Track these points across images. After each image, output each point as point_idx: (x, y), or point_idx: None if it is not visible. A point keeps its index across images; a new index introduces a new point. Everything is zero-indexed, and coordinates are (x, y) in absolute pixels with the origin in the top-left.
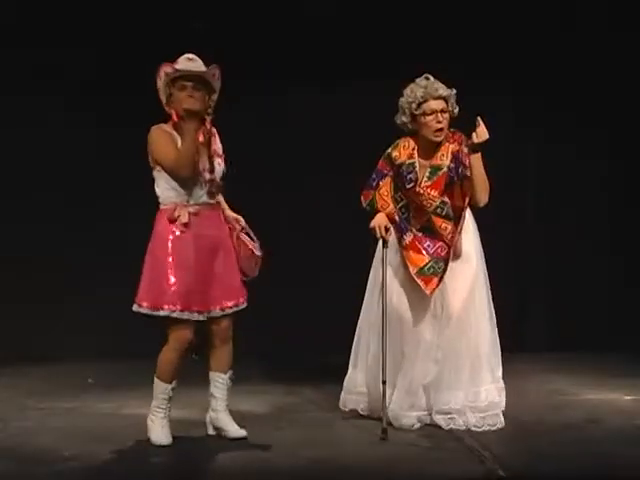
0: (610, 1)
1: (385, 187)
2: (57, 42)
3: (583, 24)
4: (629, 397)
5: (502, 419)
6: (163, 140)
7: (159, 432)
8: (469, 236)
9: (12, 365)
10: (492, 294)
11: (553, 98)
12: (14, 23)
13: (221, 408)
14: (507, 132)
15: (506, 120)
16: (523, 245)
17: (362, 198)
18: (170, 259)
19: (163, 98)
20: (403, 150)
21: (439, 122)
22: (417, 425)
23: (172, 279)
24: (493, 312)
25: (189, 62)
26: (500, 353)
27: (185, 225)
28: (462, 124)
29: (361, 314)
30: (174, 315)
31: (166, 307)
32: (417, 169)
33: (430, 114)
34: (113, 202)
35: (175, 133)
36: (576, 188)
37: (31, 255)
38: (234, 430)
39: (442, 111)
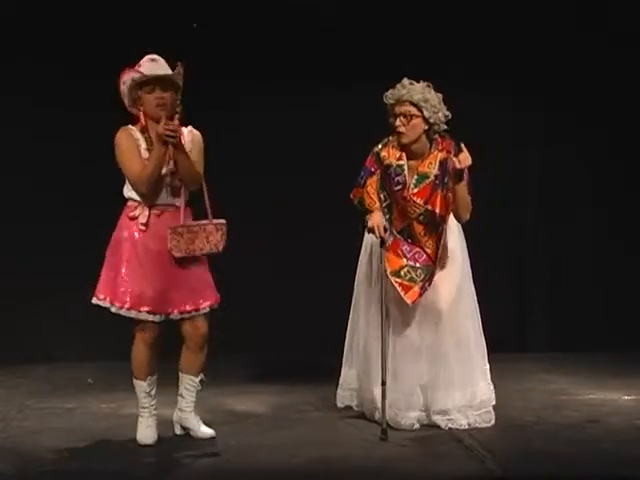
0: (610, 2)
1: (372, 185)
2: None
3: (583, 24)
4: (629, 397)
5: (493, 414)
6: (127, 149)
7: (144, 432)
8: (453, 235)
9: (12, 365)
10: (493, 294)
11: (553, 98)
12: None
13: (188, 409)
14: (507, 132)
15: (506, 120)
16: (523, 245)
17: (352, 196)
18: (125, 257)
19: (127, 101)
20: (392, 150)
21: (400, 125)
22: (416, 426)
23: (124, 277)
24: (478, 309)
25: (154, 64)
26: (486, 350)
27: (144, 225)
28: (463, 125)
29: (351, 312)
30: (122, 312)
31: (117, 304)
32: (406, 172)
33: (397, 116)
34: (113, 202)
35: (141, 137)
36: (576, 188)
37: (31, 255)
38: (202, 430)
39: (405, 115)
